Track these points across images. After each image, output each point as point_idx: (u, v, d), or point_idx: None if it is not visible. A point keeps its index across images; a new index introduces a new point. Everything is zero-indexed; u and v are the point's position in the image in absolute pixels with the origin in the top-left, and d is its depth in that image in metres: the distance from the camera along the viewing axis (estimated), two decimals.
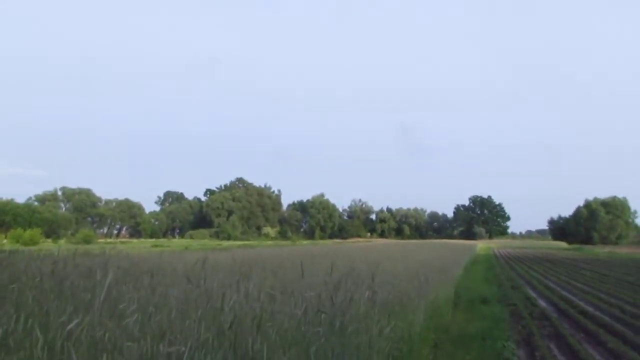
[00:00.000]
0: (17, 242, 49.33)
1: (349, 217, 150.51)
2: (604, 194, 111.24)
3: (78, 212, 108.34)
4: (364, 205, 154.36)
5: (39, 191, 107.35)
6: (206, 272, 5.17)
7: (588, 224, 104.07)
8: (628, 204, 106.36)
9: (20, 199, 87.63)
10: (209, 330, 3.69)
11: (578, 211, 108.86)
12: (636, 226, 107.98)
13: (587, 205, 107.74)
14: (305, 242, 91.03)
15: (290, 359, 3.70)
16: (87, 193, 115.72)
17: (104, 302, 4.14)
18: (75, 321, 3.29)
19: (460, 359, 7.33)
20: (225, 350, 3.48)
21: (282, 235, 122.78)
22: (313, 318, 4.36)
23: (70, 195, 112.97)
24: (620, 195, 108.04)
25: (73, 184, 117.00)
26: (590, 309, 13.18)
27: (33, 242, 52.19)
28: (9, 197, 78.99)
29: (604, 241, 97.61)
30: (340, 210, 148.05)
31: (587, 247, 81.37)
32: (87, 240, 60.16)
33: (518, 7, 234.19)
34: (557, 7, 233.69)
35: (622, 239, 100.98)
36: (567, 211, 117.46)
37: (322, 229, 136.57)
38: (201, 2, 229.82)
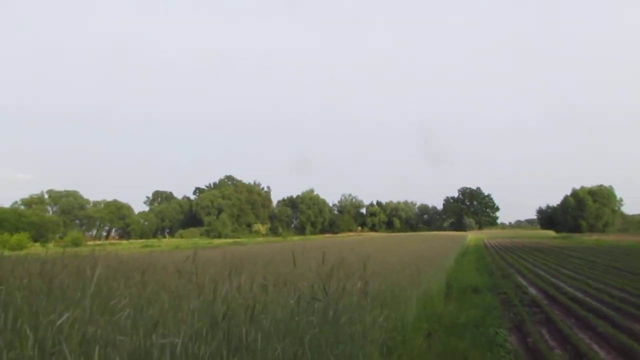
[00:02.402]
0: (4, 247, 48.56)
1: (339, 211, 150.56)
2: (590, 182, 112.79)
3: (65, 214, 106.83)
4: (353, 200, 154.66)
5: (25, 194, 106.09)
6: (197, 267, 5.13)
7: (575, 212, 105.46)
8: (614, 192, 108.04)
9: (6, 203, 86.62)
10: (202, 321, 3.67)
11: (566, 200, 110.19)
12: (622, 214, 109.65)
13: (575, 194, 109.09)
14: (296, 237, 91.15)
15: (284, 349, 3.69)
16: (75, 195, 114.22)
17: (95, 298, 4.09)
18: (65, 315, 3.25)
19: (453, 346, 7.37)
20: (219, 341, 3.46)
21: (273, 231, 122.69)
22: (306, 307, 4.35)
23: (57, 197, 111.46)
24: (606, 184, 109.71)
25: (60, 186, 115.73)
26: (579, 295, 13.38)
27: (20, 246, 51.50)
28: None
29: (592, 229, 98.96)
30: (331, 205, 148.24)
31: (575, 236, 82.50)
32: (75, 243, 59.48)
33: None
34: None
35: (608, 227, 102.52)
36: (555, 200, 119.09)
37: (313, 224, 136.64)
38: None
